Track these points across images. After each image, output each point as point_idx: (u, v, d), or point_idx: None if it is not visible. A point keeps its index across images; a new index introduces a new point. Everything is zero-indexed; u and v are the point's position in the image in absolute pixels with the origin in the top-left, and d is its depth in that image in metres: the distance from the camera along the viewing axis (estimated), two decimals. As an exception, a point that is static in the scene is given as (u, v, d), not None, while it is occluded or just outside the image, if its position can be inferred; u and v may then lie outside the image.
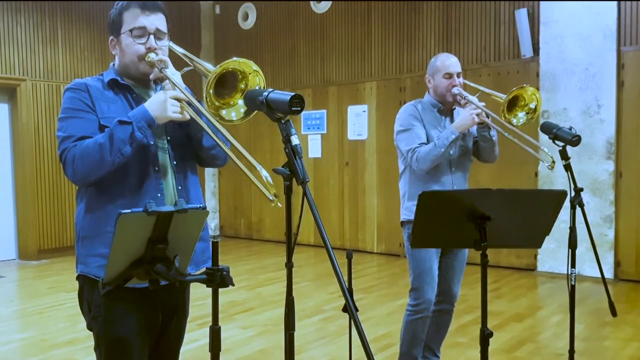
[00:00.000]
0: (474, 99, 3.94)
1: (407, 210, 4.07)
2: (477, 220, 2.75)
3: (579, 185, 3.80)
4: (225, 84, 2.43)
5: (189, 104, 2.52)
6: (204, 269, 2.03)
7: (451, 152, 3.98)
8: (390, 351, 5.17)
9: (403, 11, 9.74)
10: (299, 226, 2.27)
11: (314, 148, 11.00)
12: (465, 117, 3.88)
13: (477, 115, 3.84)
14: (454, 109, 4.19)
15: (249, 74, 2.40)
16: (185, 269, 2.10)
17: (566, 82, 8.09)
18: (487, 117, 3.92)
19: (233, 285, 2.03)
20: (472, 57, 9.03)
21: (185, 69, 2.66)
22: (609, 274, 7.80)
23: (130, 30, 2.60)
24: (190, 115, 2.54)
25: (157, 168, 2.60)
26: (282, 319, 2.34)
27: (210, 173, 12.56)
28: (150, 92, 2.72)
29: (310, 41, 11.02)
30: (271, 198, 2.16)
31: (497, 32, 8.79)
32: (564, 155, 3.83)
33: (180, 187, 2.66)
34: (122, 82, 2.65)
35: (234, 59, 2.36)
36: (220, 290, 2.03)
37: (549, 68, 8.23)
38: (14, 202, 10.00)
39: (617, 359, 5.04)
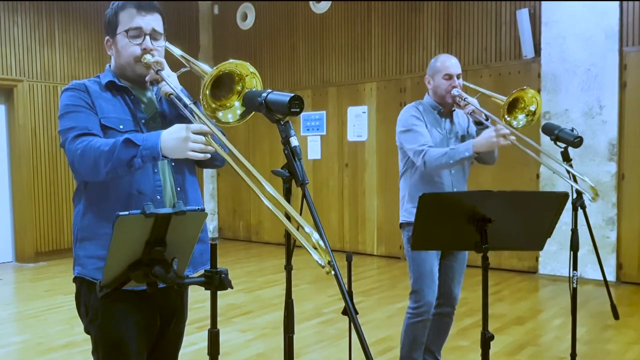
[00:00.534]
0: (474, 100, 3.94)
1: (407, 212, 4.07)
2: (478, 223, 2.75)
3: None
4: (222, 85, 2.42)
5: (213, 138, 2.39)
6: (202, 272, 2.03)
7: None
8: (391, 354, 5.17)
9: (403, 11, 9.74)
10: (298, 228, 2.28)
11: (313, 149, 11.00)
12: (488, 138, 3.71)
13: (504, 137, 3.68)
14: (454, 110, 4.19)
15: (246, 76, 2.40)
16: (183, 272, 2.10)
17: (568, 83, 8.09)
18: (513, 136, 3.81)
19: (232, 287, 2.03)
20: (472, 57, 9.04)
21: (182, 70, 2.66)
22: (611, 276, 7.80)
23: (126, 31, 2.60)
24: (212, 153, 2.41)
25: (155, 170, 2.59)
26: (281, 322, 2.34)
27: (209, 175, 12.56)
28: (147, 93, 2.73)
29: (310, 41, 11.03)
30: (323, 264, 1.88)
31: (498, 32, 8.79)
32: (565, 156, 3.83)
33: (179, 189, 2.66)
34: (119, 84, 2.64)
35: (231, 61, 2.36)
36: (218, 293, 2.03)
37: (551, 69, 8.23)
38: (11, 204, 9.99)
39: (620, 363, 5.05)
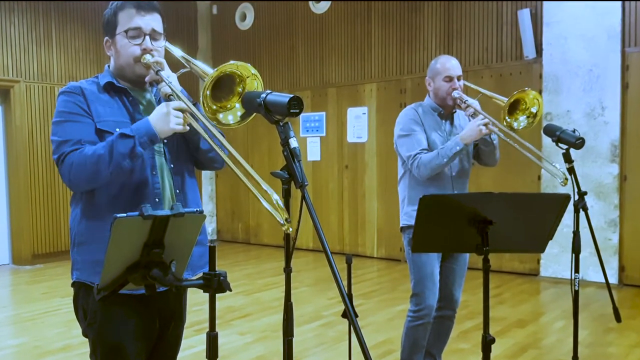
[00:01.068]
0: (475, 103, 3.94)
1: (407, 215, 4.07)
2: (479, 225, 2.75)
3: (583, 188, 3.81)
4: (222, 87, 2.42)
5: (192, 115, 2.51)
6: (201, 274, 2.03)
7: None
8: (391, 358, 5.17)
9: (403, 11, 9.75)
10: (297, 230, 2.28)
11: (312, 151, 11.00)
12: (472, 128, 3.85)
13: (485, 125, 3.83)
14: (455, 112, 4.19)
15: (247, 77, 2.40)
16: (181, 274, 2.10)
17: (569, 83, 8.10)
18: (494, 126, 3.90)
19: (230, 290, 2.03)
20: (473, 58, 9.04)
21: (182, 70, 2.66)
22: (613, 279, 7.80)
23: (125, 31, 2.59)
24: (193, 128, 2.53)
25: (154, 172, 2.59)
26: (281, 325, 2.34)
27: (207, 176, 12.56)
28: (147, 94, 2.73)
29: (309, 42, 11.03)
30: (282, 222, 2.14)
31: (499, 32, 8.80)
32: (567, 158, 3.84)
33: (177, 191, 2.66)
34: (118, 85, 2.64)
35: (232, 62, 2.36)
36: (217, 295, 2.03)
37: (552, 69, 8.24)
38: (8, 206, 9.99)
39: (622, 366, 5.05)
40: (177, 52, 2.71)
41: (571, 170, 3.79)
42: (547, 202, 2.92)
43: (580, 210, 3.74)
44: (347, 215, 10.61)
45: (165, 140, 2.65)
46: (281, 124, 2.16)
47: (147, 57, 2.57)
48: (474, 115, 3.94)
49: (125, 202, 2.53)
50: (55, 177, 10.00)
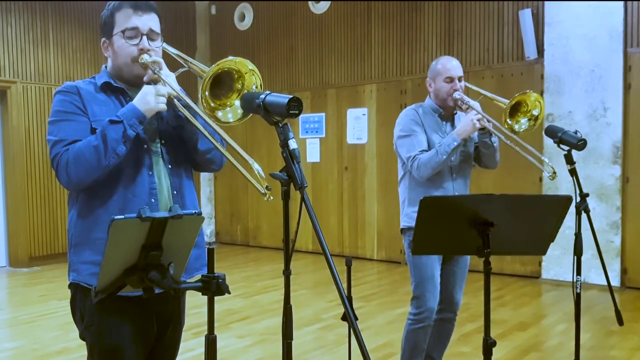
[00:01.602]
0: (475, 104, 3.94)
1: (407, 217, 4.07)
2: (480, 227, 2.75)
3: (585, 190, 3.81)
4: (221, 84, 2.43)
5: (184, 105, 2.52)
6: (199, 277, 2.03)
7: (452, 158, 3.98)
8: (391, 361, 5.18)
9: (404, 11, 9.75)
10: (297, 232, 2.28)
11: (312, 152, 11.01)
12: (466, 123, 3.88)
13: (478, 120, 3.84)
14: (455, 113, 4.19)
15: (245, 73, 2.41)
16: (180, 277, 2.10)
17: (571, 84, 8.10)
18: (489, 122, 3.92)
19: (229, 293, 2.03)
20: (474, 58, 9.04)
21: (180, 70, 2.66)
22: (615, 281, 7.80)
23: (123, 31, 2.59)
24: (182, 114, 2.55)
25: (151, 172, 2.60)
26: (280, 328, 2.34)
27: (206, 178, 12.56)
28: (144, 94, 2.73)
29: (309, 42, 11.03)
30: (263, 191, 2.19)
31: (501, 33, 8.80)
32: (569, 159, 3.83)
33: (175, 192, 2.66)
34: (115, 85, 2.65)
35: (230, 58, 2.36)
36: (216, 298, 2.03)
37: (554, 70, 8.24)
38: (4, 208, 9.99)
39: (624, 369, 5.05)
40: (174, 52, 2.71)
41: (573, 172, 3.78)
42: (548, 204, 2.91)
43: (582, 212, 3.74)
44: (347, 217, 10.61)
45: (163, 141, 2.65)
46: (280, 125, 2.16)
47: (145, 57, 2.57)
48: (474, 116, 3.95)
49: (121, 202, 2.53)
50: (53, 179, 9.98)
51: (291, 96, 2.13)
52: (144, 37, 2.60)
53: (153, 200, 2.58)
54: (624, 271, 7.86)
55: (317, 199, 10.83)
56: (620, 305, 3.98)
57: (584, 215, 3.73)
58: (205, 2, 12.52)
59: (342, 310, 2.19)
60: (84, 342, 2.63)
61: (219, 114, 2.43)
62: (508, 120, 3.98)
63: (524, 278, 8.57)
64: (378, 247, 10.20)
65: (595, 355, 5.32)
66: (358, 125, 10.37)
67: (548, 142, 7.64)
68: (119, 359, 2.55)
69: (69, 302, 2.68)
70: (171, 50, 2.73)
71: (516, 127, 4.03)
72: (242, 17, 11.98)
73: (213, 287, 1.98)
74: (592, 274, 7.79)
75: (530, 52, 8.40)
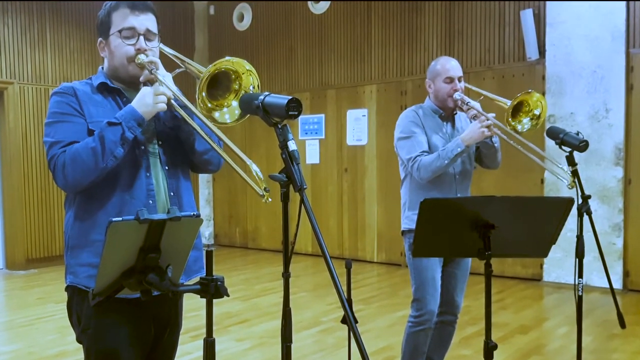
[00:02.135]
0: (476, 104, 3.94)
1: (408, 219, 4.07)
2: (481, 229, 2.75)
3: (587, 192, 3.81)
4: (218, 84, 2.44)
5: (181, 105, 2.53)
6: (197, 279, 2.03)
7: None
8: (391, 364, 5.18)
9: (404, 12, 9.75)
10: (296, 235, 2.28)
11: (311, 154, 11.00)
12: (474, 130, 3.84)
13: (487, 128, 3.82)
14: (456, 113, 4.19)
15: (242, 73, 2.41)
16: (178, 279, 2.10)
17: (573, 85, 8.10)
18: (496, 127, 3.90)
19: (228, 295, 2.03)
20: (475, 59, 9.05)
21: (177, 70, 2.67)
22: (617, 284, 7.79)
23: (119, 31, 2.60)
24: (179, 114, 2.56)
25: (148, 173, 2.60)
26: (279, 331, 2.34)
27: (204, 180, 12.56)
28: (141, 95, 2.73)
29: (308, 43, 11.03)
30: (261, 193, 2.17)
31: (502, 33, 8.80)
32: (570, 161, 3.84)
33: (172, 194, 2.66)
34: (111, 85, 2.65)
35: (227, 58, 2.36)
36: (214, 301, 2.03)
37: (556, 71, 8.24)
38: (1, 210, 9.99)
39: (627, 373, 5.05)
40: (171, 52, 2.71)
41: (575, 174, 3.79)
42: (550, 206, 2.91)
43: (584, 214, 3.74)
44: (347, 219, 10.60)
45: (160, 142, 2.66)
46: (279, 126, 2.17)
47: (142, 57, 2.58)
48: (475, 117, 3.94)
49: (119, 204, 2.53)
50: (50, 181, 9.98)
51: (290, 97, 2.13)
52: (141, 37, 2.60)
53: (151, 201, 2.58)
54: (626, 274, 7.86)
55: (317, 201, 10.83)
56: (622, 308, 3.98)
57: (585, 218, 3.73)
58: (204, 2, 12.52)
59: (341, 313, 2.19)
60: (81, 346, 2.63)
61: (216, 114, 2.44)
62: (510, 120, 3.98)
63: (525, 281, 8.57)
64: (378, 249, 10.20)
65: (597, 359, 5.32)
66: (358, 126, 10.37)
67: (550, 143, 7.63)
68: (116, 362, 2.55)
69: (66, 305, 2.68)
70: (168, 50, 2.73)
71: (519, 127, 4.02)
72: (241, 17, 11.98)
73: (211, 289, 1.98)
74: (594, 276, 7.79)
75: (532, 52, 8.41)
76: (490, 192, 8.17)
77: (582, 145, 3.81)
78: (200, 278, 2.01)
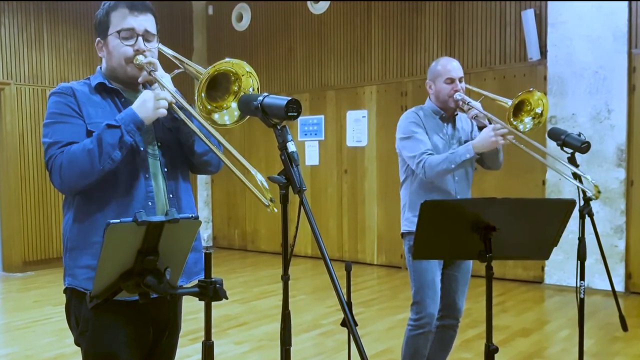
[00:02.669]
0: (477, 104, 3.94)
1: (408, 221, 4.07)
2: (482, 231, 2.75)
3: (589, 194, 3.80)
4: (218, 86, 2.43)
5: (180, 107, 2.53)
6: (196, 282, 2.03)
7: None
8: (391, 368, 5.18)
9: (404, 12, 9.76)
10: (295, 237, 2.28)
11: (311, 155, 11.01)
12: (486, 138, 3.81)
13: (503, 136, 3.79)
14: (457, 114, 4.19)
15: (242, 75, 2.41)
16: (176, 282, 2.10)
17: (575, 86, 8.10)
18: (510, 134, 3.88)
19: (226, 298, 2.03)
20: (476, 59, 9.05)
21: (176, 71, 2.67)
22: (619, 286, 7.80)
23: (118, 32, 2.60)
24: (179, 117, 2.55)
25: (147, 175, 2.60)
26: (278, 334, 2.34)
27: (203, 181, 12.56)
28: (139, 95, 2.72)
29: (308, 43, 11.04)
30: (267, 203, 2.16)
31: (503, 33, 8.81)
32: (572, 162, 3.83)
33: (171, 195, 2.66)
34: (109, 85, 2.65)
35: (227, 59, 2.36)
36: (213, 303, 2.03)
37: (557, 71, 8.25)
38: (-3, 212, 9.99)
39: (629, 376, 5.05)
40: (170, 53, 2.71)
41: (576, 175, 3.78)
42: (551, 208, 2.91)
43: (586, 216, 3.74)
44: (347, 221, 10.60)
45: (159, 143, 2.66)
46: (279, 127, 2.17)
47: (140, 57, 2.58)
48: (476, 117, 3.95)
49: (118, 206, 2.53)
50: (47, 182, 9.98)
51: (290, 98, 2.13)
52: (140, 38, 2.60)
53: (150, 203, 2.58)
54: (628, 276, 7.86)
55: (316, 203, 10.83)
56: (624, 311, 3.98)
57: (587, 220, 3.73)
58: (202, 2, 12.53)
59: (341, 316, 2.19)
60: (79, 348, 2.63)
61: (216, 116, 2.44)
62: (512, 120, 3.97)
63: (527, 283, 8.57)
64: (378, 251, 10.20)
65: (600, 362, 5.33)
66: (358, 127, 10.37)
67: (551, 144, 7.62)
68: (114, 365, 2.55)
69: (64, 307, 2.68)
70: (167, 51, 2.73)
71: (520, 127, 4.01)
72: (240, 18, 11.98)
73: (210, 292, 1.98)
74: (596, 279, 7.79)
75: (533, 53, 8.41)
76: (491, 193, 8.18)
77: (584, 147, 3.80)
78: (199, 280, 2.01)
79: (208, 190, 12.72)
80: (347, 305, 1.94)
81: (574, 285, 3.74)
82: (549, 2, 8.30)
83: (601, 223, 7.63)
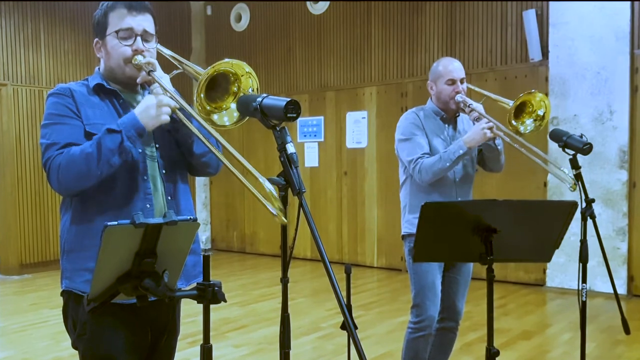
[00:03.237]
0: (479, 106, 3.94)
1: (408, 223, 4.07)
2: (483, 233, 2.75)
3: (591, 195, 3.81)
4: (217, 86, 2.43)
5: (180, 107, 2.52)
6: (194, 284, 2.03)
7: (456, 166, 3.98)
8: (392, 371, 5.18)
9: (404, 12, 9.76)
10: (294, 239, 2.28)
11: (310, 157, 11.00)
12: (476, 132, 3.84)
13: (490, 129, 3.82)
14: (458, 115, 4.19)
15: (242, 76, 2.41)
16: (174, 284, 2.10)
17: (577, 87, 8.10)
18: (499, 130, 3.90)
19: (225, 301, 2.03)
20: (477, 60, 9.05)
21: (175, 71, 2.66)
22: (621, 289, 7.79)
23: (116, 32, 2.59)
24: (178, 118, 2.55)
25: (145, 177, 2.59)
26: (277, 337, 2.34)
27: (201, 183, 12.56)
28: (138, 96, 2.72)
29: (307, 44, 11.04)
30: (275, 212, 2.11)
31: (504, 34, 8.81)
32: (574, 164, 3.83)
33: (170, 197, 2.66)
34: (108, 87, 2.64)
35: (226, 60, 2.36)
36: (212, 306, 2.03)
37: (559, 72, 8.25)
38: (-6, 214, 9.98)
39: (631, 380, 5.05)
40: (169, 53, 2.71)
41: (578, 177, 3.79)
42: (553, 210, 2.92)
43: (588, 218, 3.74)
44: (346, 223, 10.60)
45: (157, 145, 2.66)
46: (278, 128, 2.16)
47: (139, 58, 2.58)
48: (478, 119, 3.94)
49: (115, 208, 2.53)
50: (44, 184, 9.98)
51: (289, 99, 2.13)
52: (138, 38, 2.60)
53: (148, 205, 2.58)
54: (630, 279, 7.86)
55: (316, 205, 10.83)
56: (626, 314, 3.99)
57: (589, 222, 3.73)
58: (201, 2, 12.53)
59: (341, 319, 2.19)
60: (76, 352, 2.62)
61: (215, 117, 2.43)
62: (513, 121, 3.97)
63: (528, 286, 8.57)
64: (378, 254, 10.19)
65: (602, 365, 5.33)
66: (357, 128, 10.37)
67: (553, 146, 7.63)
68: (112, 369, 2.55)
69: (61, 310, 2.68)
70: (166, 51, 2.73)
71: (521, 128, 4.01)
72: (239, 18, 11.99)
73: (209, 295, 1.98)
74: (598, 281, 7.79)
75: (535, 53, 8.41)
76: (493, 195, 8.17)
77: (586, 148, 3.80)
78: (198, 283, 2.01)
79: (206, 192, 12.71)
80: (346, 308, 1.94)
81: (576, 288, 3.74)
82: (550, 3, 8.30)
83: (603, 225, 7.62)
